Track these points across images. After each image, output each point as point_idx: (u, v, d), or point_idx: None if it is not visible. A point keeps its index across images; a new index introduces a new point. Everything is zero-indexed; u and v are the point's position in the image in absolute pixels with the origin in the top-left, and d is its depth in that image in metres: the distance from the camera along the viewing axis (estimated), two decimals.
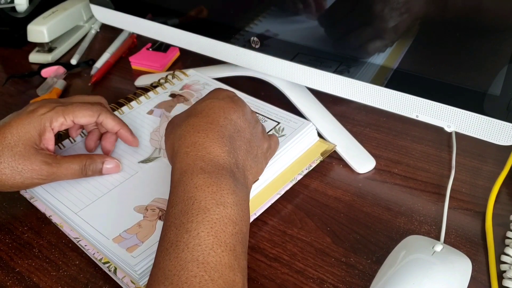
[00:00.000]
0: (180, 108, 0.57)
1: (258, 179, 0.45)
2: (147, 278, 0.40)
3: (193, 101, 0.57)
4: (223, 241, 0.32)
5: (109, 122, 0.48)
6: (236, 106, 0.42)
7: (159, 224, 0.43)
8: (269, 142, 0.45)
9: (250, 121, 0.42)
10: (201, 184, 0.35)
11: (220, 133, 0.39)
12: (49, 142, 0.45)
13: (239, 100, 0.43)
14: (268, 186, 0.47)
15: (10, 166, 0.42)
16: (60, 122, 0.45)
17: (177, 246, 0.32)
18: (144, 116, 0.56)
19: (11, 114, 0.46)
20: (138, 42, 0.79)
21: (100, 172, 0.47)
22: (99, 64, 0.73)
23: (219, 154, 0.37)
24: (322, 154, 0.51)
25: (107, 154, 0.50)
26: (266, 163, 0.45)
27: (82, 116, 0.46)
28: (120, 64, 0.75)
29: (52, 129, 0.45)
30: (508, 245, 0.42)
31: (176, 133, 0.39)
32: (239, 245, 0.34)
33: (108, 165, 0.47)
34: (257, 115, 0.53)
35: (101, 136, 0.51)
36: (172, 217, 0.34)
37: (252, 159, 0.41)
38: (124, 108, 0.57)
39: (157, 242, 0.36)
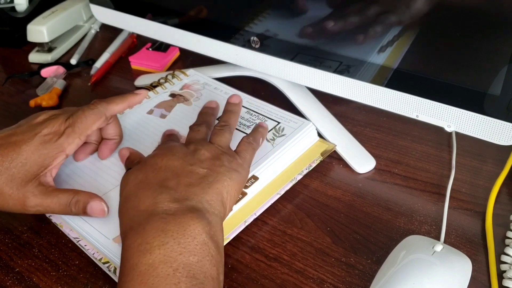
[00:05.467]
0: (179, 108, 0.57)
1: (235, 198, 0.42)
2: None
3: (193, 101, 0.58)
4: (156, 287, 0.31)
5: (115, 110, 0.48)
6: (154, 165, 0.40)
7: None
8: (229, 156, 0.42)
9: (184, 155, 0.41)
10: (129, 244, 0.34)
11: (150, 185, 0.38)
12: (52, 172, 0.44)
13: (155, 157, 0.41)
14: (268, 186, 0.47)
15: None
16: (75, 144, 0.44)
17: None
18: (144, 116, 0.56)
19: (20, 128, 0.44)
20: (138, 42, 0.79)
21: (84, 212, 0.43)
22: (98, 64, 0.73)
23: (150, 205, 0.36)
24: (322, 154, 0.51)
25: (102, 158, 0.50)
26: (241, 173, 0.42)
27: (92, 123, 0.45)
28: (120, 64, 0.75)
29: (67, 155, 0.44)
30: (508, 245, 0.42)
31: (121, 206, 0.39)
32: (185, 280, 0.31)
33: (94, 207, 0.43)
34: (257, 115, 0.53)
35: (95, 150, 0.51)
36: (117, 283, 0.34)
37: (200, 188, 0.38)
38: None
39: None
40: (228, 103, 0.51)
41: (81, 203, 0.43)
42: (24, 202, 0.42)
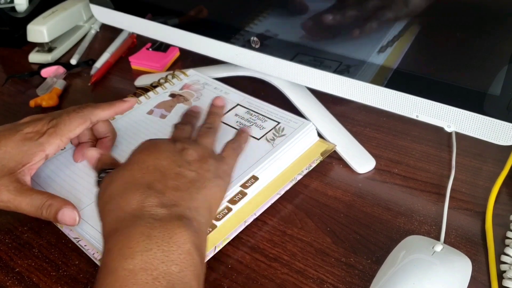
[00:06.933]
0: (179, 108, 0.57)
1: (216, 207, 0.40)
2: None
3: (193, 101, 0.58)
4: None
5: (101, 116, 0.48)
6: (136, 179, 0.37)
7: None
8: (215, 159, 0.41)
9: (171, 160, 0.39)
10: (111, 247, 0.32)
11: (137, 185, 0.36)
12: (31, 171, 0.44)
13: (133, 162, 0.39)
14: (268, 186, 0.47)
15: None
16: (56, 144, 0.44)
17: None
18: (144, 116, 0.56)
19: (4, 126, 0.46)
20: (138, 42, 0.79)
21: (54, 219, 0.42)
22: (99, 64, 0.73)
23: (137, 208, 0.34)
24: (322, 154, 0.51)
25: None
26: (225, 181, 0.41)
27: (76, 126, 0.45)
28: (120, 64, 0.75)
29: (47, 155, 0.44)
30: (508, 245, 0.42)
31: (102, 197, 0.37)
32: None
33: (65, 213, 0.42)
34: (257, 115, 0.53)
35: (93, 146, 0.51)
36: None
37: (188, 193, 0.37)
38: None
39: None
40: (212, 105, 0.51)
41: (53, 208, 0.42)
42: None
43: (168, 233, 0.32)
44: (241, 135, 0.48)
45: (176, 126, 0.46)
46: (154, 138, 0.42)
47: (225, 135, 0.48)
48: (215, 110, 0.50)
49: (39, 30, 0.76)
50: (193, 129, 0.46)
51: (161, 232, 0.32)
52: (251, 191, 0.46)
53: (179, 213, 0.35)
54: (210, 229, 0.43)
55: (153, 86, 0.60)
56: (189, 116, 0.49)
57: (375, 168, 0.51)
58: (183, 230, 0.33)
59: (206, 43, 0.60)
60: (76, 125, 0.46)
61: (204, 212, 0.37)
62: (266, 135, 0.50)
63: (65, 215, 0.42)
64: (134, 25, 0.67)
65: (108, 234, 0.34)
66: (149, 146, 0.40)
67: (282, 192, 0.48)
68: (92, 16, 0.84)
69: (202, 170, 0.39)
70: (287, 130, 0.51)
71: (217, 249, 0.43)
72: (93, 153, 0.43)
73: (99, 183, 0.39)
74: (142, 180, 0.36)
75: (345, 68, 0.49)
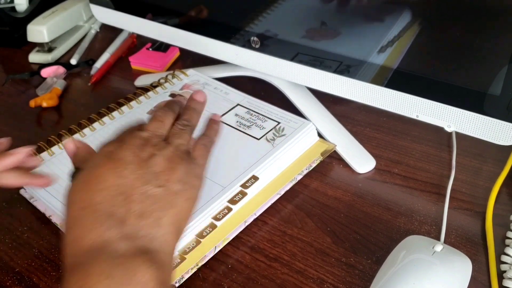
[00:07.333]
0: None
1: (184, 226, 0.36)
2: None
3: None
4: None
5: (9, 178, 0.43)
6: (94, 190, 0.34)
7: None
8: (186, 163, 0.37)
9: (135, 177, 0.34)
10: (69, 286, 0.29)
11: (96, 213, 0.32)
12: None
13: (101, 172, 0.34)
14: (268, 186, 0.47)
15: None
16: None
17: None
18: (144, 116, 0.56)
19: None
20: (138, 42, 0.79)
21: None
22: (99, 64, 0.73)
23: (96, 241, 0.31)
24: (322, 154, 0.51)
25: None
26: (197, 187, 0.37)
27: None
28: (120, 64, 0.75)
29: None
30: (508, 245, 0.42)
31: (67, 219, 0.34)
32: None
33: None
34: (257, 115, 0.53)
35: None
36: None
37: (154, 220, 0.33)
38: (124, 108, 0.57)
39: None
40: (191, 99, 0.43)
41: None
42: None
43: (131, 271, 0.30)
44: (211, 127, 0.43)
45: (155, 117, 0.39)
46: (123, 133, 0.37)
47: (224, 136, 0.48)
48: (194, 106, 0.43)
49: (39, 30, 0.76)
50: (173, 120, 0.40)
51: (122, 271, 0.30)
52: (251, 191, 0.46)
53: (142, 246, 0.32)
54: (210, 229, 0.43)
55: (153, 86, 0.60)
56: (173, 104, 0.42)
57: (375, 168, 0.51)
58: (147, 267, 0.30)
59: (206, 43, 0.60)
60: None
61: (170, 239, 0.34)
62: (266, 135, 0.50)
63: None
64: (134, 25, 0.67)
65: (67, 270, 0.31)
66: (114, 153, 0.35)
67: (282, 192, 0.48)
68: (92, 16, 0.84)
69: (170, 182, 0.35)
70: (287, 130, 0.51)
71: (217, 249, 0.43)
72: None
73: (71, 180, 0.36)
74: (101, 205, 0.33)
75: (345, 68, 0.49)
